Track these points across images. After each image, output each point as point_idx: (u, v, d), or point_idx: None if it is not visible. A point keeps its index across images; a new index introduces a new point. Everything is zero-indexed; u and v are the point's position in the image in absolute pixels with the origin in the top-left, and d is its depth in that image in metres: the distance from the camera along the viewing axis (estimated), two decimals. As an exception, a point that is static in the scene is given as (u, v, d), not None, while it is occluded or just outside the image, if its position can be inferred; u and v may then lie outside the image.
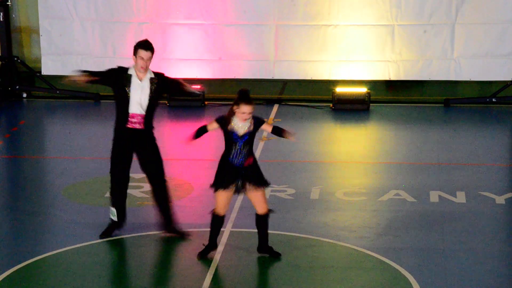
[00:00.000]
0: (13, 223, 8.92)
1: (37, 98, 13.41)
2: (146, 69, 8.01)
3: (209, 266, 7.84)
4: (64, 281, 7.62)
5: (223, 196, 7.75)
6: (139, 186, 9.72)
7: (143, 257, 8.06)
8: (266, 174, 10.23)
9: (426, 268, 7.85)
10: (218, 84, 13.44)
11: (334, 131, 12.45)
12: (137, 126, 8.04)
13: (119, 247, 8.28)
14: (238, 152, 7.68)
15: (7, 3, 13.08)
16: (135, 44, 8.07)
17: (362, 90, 13.04)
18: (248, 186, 7.75)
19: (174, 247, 8.24)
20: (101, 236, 8.27)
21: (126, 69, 8.10)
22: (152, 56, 8.01)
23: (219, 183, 7.72)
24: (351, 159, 10.96)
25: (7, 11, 13.09)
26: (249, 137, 7.66)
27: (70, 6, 13.15)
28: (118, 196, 8.26)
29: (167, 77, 8.25)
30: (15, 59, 13.24)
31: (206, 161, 10.79)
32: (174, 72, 13.27)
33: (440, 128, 12.31)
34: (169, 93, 8.00)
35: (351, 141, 11.81)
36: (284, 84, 13.66)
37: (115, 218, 8.29)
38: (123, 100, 8.04)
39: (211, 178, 9.65)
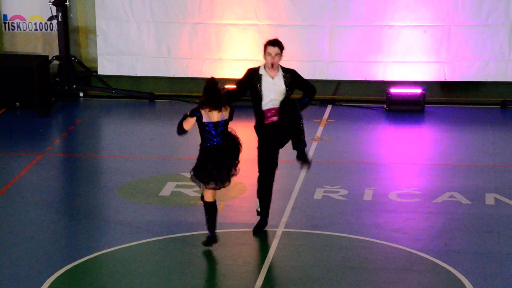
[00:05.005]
0: (69, 220, 9.06)
1: (93, 97, 13.59)
2: (275, 65, 8.15)
3: (261, 265, 7.86)
4: (118, 279, 7.72)
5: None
6: (192, 186, 9.78)
7: (196, 256, 8.12)
8: (319, 175, 10.22)
9: (481, 272, 7.75)
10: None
11: (388, 132, 12.36)
12: (274, 118, 8.18)
13: (172, 245, 8.35)
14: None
15: (65, 3, 13.28)
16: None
17: (417, 91, 12.92)
18: None
19: (226, 246, 8.27)
20: (253, 231, 8.43)
21: (257, 69, 8.26)
22: (280, 52, 8.15)
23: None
24: (405, 161, 10.87)
25: (65, 12, 13.30)
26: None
27: (126, 7, 13.30)
28: (265, 191, 8.36)
29: (299, 75, 8.33)
30: (72, 58, 13.44)
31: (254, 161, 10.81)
32: (228, 72, 13.33)
33: (497, 130, 12.13)
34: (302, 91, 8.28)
35: (405, 142, 11.71)
36: (338, 84, 13.61)
37: (259, 210, 8.46)
38: (256, 99, 8.22)
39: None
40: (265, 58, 8.20)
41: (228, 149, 7.96)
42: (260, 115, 8.22)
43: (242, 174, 10.18)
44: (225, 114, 7.88)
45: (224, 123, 7.90)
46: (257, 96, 8.19)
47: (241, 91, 8.34)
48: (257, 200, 8.50)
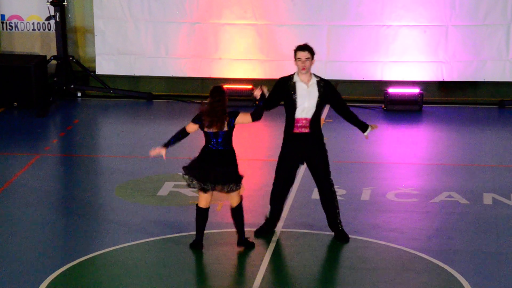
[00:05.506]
0: (67, 221, 9.06)
1: (91, 97, 13.59)
2: (306, 70, 8.05)
3: (259, 265, 7.86)
4: (115, 279, 7.71)
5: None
6: (190, 185, 9.78)
7: (193, 256, 8.11)
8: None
9: (479, 272, 7.75)
10: (270, 84, 13.42)
11: (386, 132, 12.36)
12: (304, 130, 8.09)
13: (170, 245, 8.35)
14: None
15: (63, 3, 13.28)
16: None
17: (415, 90, 12.93)
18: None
19: (224, 246, 8.27)
20: (256, 233, 8.37)
21: (290, 77, 8.18)
22: (311, 57, 8.06)
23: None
24: (403, 160, 10.88)
25: (63, 12, 13.29)
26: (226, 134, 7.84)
27: (124, 7, 13.30)
28: (277, 198, 8.33)
29: (334, 87, 8.22)
30: (70, 58, 13.44)
31: (257, 161, 10.81)
32: (227, 72, 13.33)
33: (494, 129, 12.14)
34: (332, 106, 8.21)
35: (403, 142, 11.72)
36: (336, 84, 13.59)
37: (268, 216, 8.43)
38: (290, 107, 8.10)
39: (262, 178, 9.64)
40: (296, 64, 8.08)
41: (225, 163, 7.89)
42: (290, 123, 8.11)
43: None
44: (225, 127, 7.84)
45: (224, 134, 7.87)
46: (292, 105, 8.06)
47: (273, 103, 8.19)
48: (269, 206, 8.45)
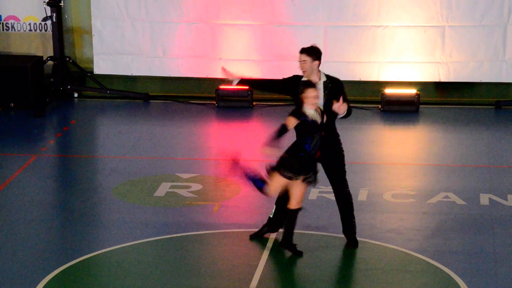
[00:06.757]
0: (64, 221, 9.06)
1: (88, 98, 13.58)
2: (306, 72, 8.00)
3: (256, 266, 7.86)
4: (112, 279, 7.72)
5: (282, 182, 7.83)
6: (187, 186, 9.79)
7: (190, 257, 8.12)
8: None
9: (476, 272, 7.76)
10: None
11: (382, 133, 12.37)
12: None
13: (167, 246, 8.35)
14: (316, 143, 7.80)
15: (60, 4, 13.27)
16: None
17: (412, 91, 12.94)
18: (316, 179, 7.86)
19: (221, 247, 8.27)
20: (251, 237, 8.33)
21: (301, 76, 8.15)
22: (310, 59, 7.98)
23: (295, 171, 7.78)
24: (400, 161, 10.88)
25: (59, 12, 13.28)
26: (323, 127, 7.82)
27: (122, 7, 13.30)
28: (282, 198, 8.24)
29: (341, 85, 8.12)
30: (67, 59, 13.43)
31: (254, 162, 10.82)
32: (223, 72, 13.33)
33: (491, 130, 12.15)
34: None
35: (400, 143, 11.73)
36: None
37: (272, 216, 8.33)
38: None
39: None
40: None
41: None
42: None
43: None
44: None
45: None
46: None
47: (278, 87, 8.24)
48: (274, 206, 8.34)
